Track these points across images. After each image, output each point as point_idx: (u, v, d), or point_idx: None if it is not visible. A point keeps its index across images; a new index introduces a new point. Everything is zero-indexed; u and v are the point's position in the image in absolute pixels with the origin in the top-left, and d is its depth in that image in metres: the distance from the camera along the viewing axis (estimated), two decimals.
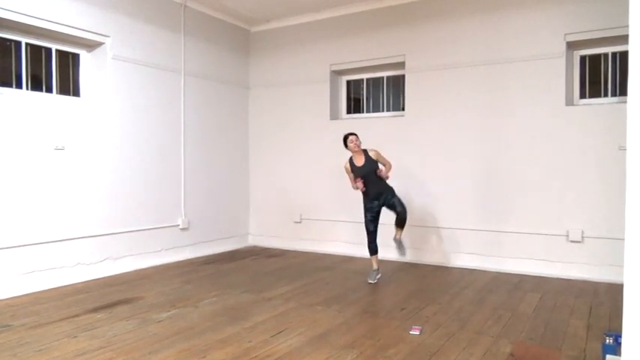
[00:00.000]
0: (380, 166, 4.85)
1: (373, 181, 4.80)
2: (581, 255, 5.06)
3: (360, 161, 4.83)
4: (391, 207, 4.87)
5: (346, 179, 5.08)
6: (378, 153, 4.86)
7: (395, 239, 5.00)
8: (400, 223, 4.92)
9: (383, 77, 6.51)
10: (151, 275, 5.20)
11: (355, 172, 4.84)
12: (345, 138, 4.88)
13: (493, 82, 5.49)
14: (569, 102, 5.22)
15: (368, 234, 4.96)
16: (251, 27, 7.21)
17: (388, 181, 4.88)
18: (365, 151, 4.85)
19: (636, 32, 1.53)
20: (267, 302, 4.16)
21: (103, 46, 5.21)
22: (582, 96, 5.30)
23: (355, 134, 4.89)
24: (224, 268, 5.63)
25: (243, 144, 7.21)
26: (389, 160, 4.93)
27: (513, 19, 5.38)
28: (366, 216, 4.93)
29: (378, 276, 4.97)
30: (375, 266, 5.01)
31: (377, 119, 6.28)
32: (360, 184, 4.78)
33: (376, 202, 4.87)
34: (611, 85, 5.17)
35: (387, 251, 5.55)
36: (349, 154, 4.92)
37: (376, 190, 4.83)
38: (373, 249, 5.00)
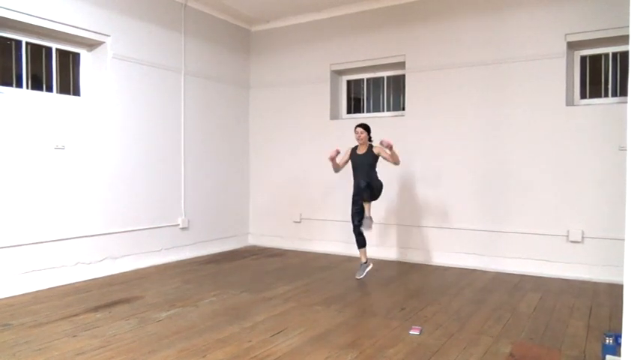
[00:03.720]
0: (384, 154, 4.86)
1: (362, 173, 4.88)
2: (581, 255, 5.06)
3: (361, 151, 4.97)
4: (364, 192, 4.79)
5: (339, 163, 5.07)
6: (381, 148, 4.85)
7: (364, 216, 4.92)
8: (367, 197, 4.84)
9: (383, 77, 6.51)
10: (150, 275, 5.20)
11: (352, 157, 5.01)
12: (356, 126, 4.99)
13: (493, 82, 5.49)
14: (570, 102, 5.22)
15: (353, 227, 5.03)
16: (251, 27, 7.21)
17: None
18: (370, 146, 4.95)
19: (637, 32, 1.53)
20: (267, 302, 4.16)
21: (103, 45, 5.21)
22: (583, 96, 5.30)
23: (362, 126, 4.95)
24: (224, 267, 5.63)
25: (243, 144, 7.21)
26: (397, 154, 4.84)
27: (514, 19, 5.37)
28: (352, 208, 5.03)
29: (368, 268, 5.01)
30: (363, 259, 5.05)
31: (377, 119, 6.27)
32: (333, 153, 4.92)
33: (357, 197, 4.95)
34: (612, 85, 5.17)
35: (388, 252, 5.55)
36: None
37: (357, 182, 4.88)
38: (360, 242, 5.05)
